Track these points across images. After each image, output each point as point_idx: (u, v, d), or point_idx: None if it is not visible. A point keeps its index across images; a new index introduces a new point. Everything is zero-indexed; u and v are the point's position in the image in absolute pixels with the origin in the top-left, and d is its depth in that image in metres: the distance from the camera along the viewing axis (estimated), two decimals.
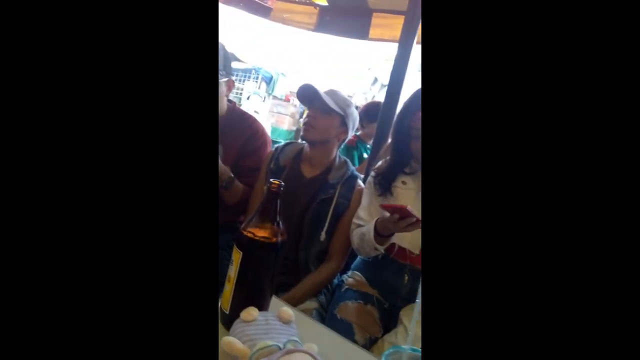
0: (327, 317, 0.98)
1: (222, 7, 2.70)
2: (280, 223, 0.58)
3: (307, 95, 1.06)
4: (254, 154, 1.14)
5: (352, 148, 2.00)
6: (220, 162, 1.00)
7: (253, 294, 0.58)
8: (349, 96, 1.15)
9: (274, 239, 0.57)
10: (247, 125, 1.17)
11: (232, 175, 1.04)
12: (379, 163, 1.06)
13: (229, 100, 1.18)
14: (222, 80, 1.09)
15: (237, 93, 4.55)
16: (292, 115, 4.20)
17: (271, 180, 0.57)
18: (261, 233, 0.56)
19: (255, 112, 4.01)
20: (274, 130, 4.05)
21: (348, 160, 1.12)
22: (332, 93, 1.06)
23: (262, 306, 0.59)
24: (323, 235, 1.02)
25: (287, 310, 0.56)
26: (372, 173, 1.04)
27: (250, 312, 0.53)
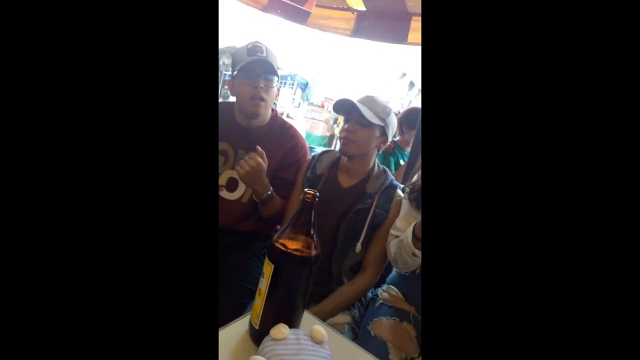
0: (359, 332, 0.93)
1: (260, 15, 2.75)
2: (315, 236, 0.55)
3: (345, 109, 1.01)
4: (294, 166, 1.12)
5: (389, 154, 1.94)
6: (263, 177, 0.99)
7: (284, 309, 0.55)
8: (386, 101, 1.09)
9: (308, 253, 0.54)
10: (289, 136, 1.15)
11: (271, 191, 1.03)
12: (414, 178, 1.00)
13: (272, 109, 1.17)
14: (276, 84, 1.09)
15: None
16: (326, 121, 4.19)
17: (306, 190, 0.55)
18: (294, 245, 0.54)
19: (289, 117, 4.05)
20: (308, 136, 4.06)
21: (387, 169, 1.07)
22: (370, 101, 1.01)
23: (293, 322, 0.56)
24: (359, 247, 0.98)
25: (320, 330, 0.52)
26: (407, 189, 0.99)
27: (281, 330, 0.50)
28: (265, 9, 2.73)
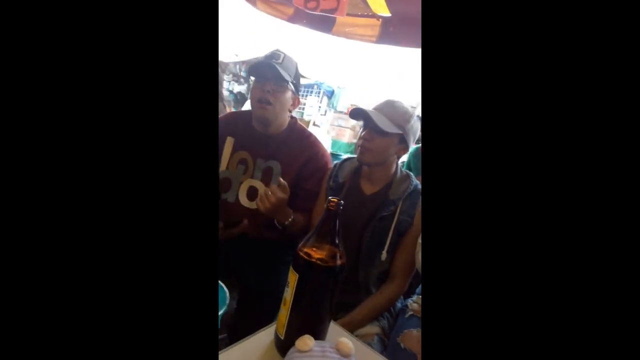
0: (389, 344, 0.90)
1: (287, 25, 2.80)
2: (340, 245, 0.54)
3: (362, 116, 0.98)
4: (315, 176, 1.08)
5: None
6: (285, 208, 0.96)
7: (309, 320, 0.54)
8: (412, 107, 1.05)
9: (333, 262, 0.53)
10: (308, 144, 1.12)
11: (292, 218, 1.00)
12: None
13: (291, 116, 1.14)
14: (289, 91, 1.06)
15: (300, 108, 4.68)
16: (353, 128, 4.18)
17: (330, 198, 0.54)
18: (318, 255, 0.53)
19: (315, 125, 4.06)
20: (334, 143, 4.06)
21: (411, 174, 1.04)
22: (389, 107, 0.97)
23: (319, 333, 0.55)
24: (384, 255, 0.95)
25: (347, 343, 0.51)
26: None
27: (306, 342, 0.49)
28: (291, 19, 2.77)
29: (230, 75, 4.51)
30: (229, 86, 4.38)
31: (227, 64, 4.40)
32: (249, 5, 2.87)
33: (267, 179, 1.09)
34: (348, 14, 2.57)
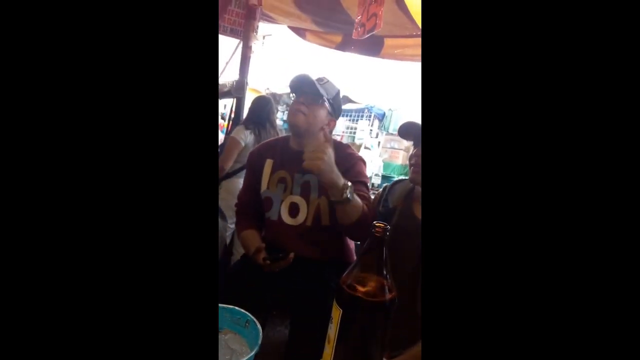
0: None
1: (334, 53, 2.86)
2: (389, 276, 0.48)
3: (413, 132, 0.92)
4: (353, 170, 1.06)
5: None
6: (333, 169, 0.88)
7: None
8: None
9: (381, 296, 0.47)
10: (344, 156, 1.11)
11: (351, 183, 0.90)
12: None
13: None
14: (325, 109, 1.08)
15: (351, 132, 4.69)
16: (407, 150, 4.05)
17: (375, 223, 0.49)
18: (364, 288, 0.47)
19: (366, 148, 4.01)
20: (387, 165, 3.96)
21: None
22: None
23: None
24: None
25: None
26: None
27: None
28: (339, 47, 2.83)
29: (284, 106, 4.69)
30: (282, 116, 4.55)
31: (280, 95, 4.59)
32: (298, 39, 3.00)
33: (306, 194, 1.09)
34: (396, 36, 2.55)
